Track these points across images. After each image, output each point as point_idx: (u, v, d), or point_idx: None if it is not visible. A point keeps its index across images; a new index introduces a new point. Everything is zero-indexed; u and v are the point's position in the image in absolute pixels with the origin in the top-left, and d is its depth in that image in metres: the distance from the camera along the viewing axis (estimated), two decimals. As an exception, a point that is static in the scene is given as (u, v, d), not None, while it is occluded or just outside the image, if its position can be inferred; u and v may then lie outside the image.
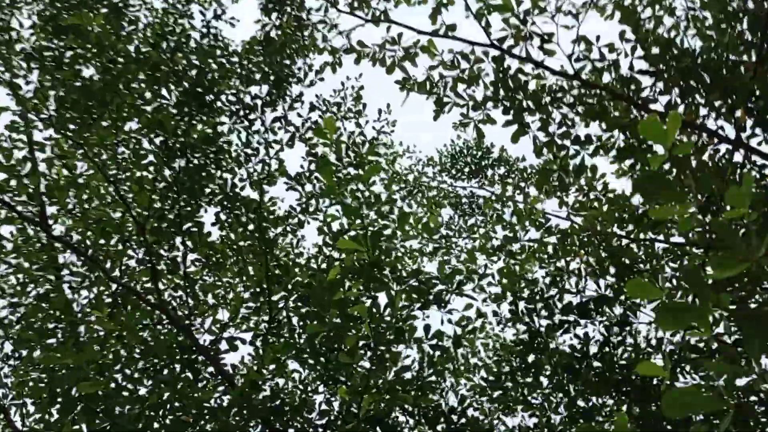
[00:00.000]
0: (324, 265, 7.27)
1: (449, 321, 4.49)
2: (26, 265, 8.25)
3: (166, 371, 7.84)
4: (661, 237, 8.54)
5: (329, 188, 3.72)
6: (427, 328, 4.44)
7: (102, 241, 8.09)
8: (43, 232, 7.76)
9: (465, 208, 10.55)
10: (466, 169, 10.87)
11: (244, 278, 7.74)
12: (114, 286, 8.18)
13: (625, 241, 8.42)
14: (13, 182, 8.16)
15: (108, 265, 7.80)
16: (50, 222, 8.39)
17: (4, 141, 8.70)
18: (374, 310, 4.25)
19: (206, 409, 7.83)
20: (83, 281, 7.74)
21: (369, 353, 4.57)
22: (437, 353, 4.77)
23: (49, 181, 8.17)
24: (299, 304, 7.21)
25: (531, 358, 6.62)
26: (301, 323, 7.08)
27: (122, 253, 7.88)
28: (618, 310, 6.43)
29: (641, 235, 8.56)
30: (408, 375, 5.25)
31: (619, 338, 6.46)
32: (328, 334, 4.37)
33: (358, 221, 3.81)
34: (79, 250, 7.79)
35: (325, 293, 4.06)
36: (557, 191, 9.95)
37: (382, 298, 4.30)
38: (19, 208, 8.07)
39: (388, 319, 4.36)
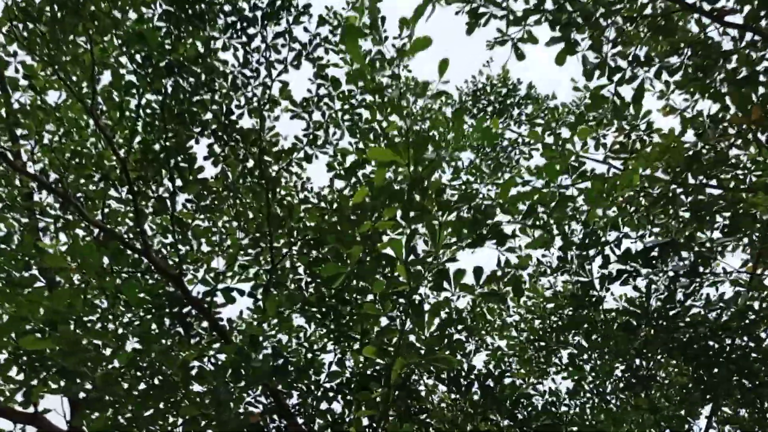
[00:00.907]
0: (335, 206, 6.21)
1: (507, 264, 3.44)
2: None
3: (154, 326, 6.92)
4: (713, 182, 7.49)
5: (356, 70, 2.66)
6: (478, 271, 3.40)
7: (80, 179, 7.05)
8: (11, 167, 6.68)
9: (488, 150, 9.46)
10: (490, 108, 9.74)
11: (243, 221, 6.70)
12: (95, 231, 7.18)
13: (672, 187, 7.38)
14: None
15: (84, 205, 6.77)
16: (24, 158, 7.35)
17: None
18: (412, 245, 3.21)
19: (197, 368, 6.92)
20: (56, 223, 6.71)
21: (402, 303, 3.57)
22: (485, 305, 3.74)
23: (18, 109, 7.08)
24: (305, 250, 6.20)
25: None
26: (308, 272, 6.06)
27: (102, 192, 6.83)
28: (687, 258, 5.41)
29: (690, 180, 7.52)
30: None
31: (687, 291, 5.44)
32: (349, 278, 3.34)
33: (398, 121, 2.75)
34: (53, 189, 6.73)
35: (348, 223, 3.01)
36: (593, 132, 8.89)
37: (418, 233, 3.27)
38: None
39: (429, 259, 3.34)
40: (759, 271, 6.26)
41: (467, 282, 3.47)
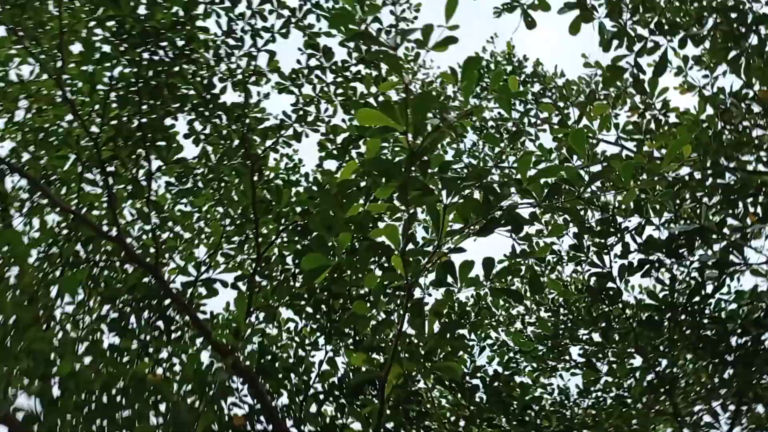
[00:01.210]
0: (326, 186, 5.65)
1: (523, 255, 2.89)
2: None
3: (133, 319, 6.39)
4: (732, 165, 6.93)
5: (341, 10, 2.12)
6: (488, 263, 2.86)
7: (52, 160, 6.48)
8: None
9: (492, 132, 8.90)
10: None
11: (226, 205, 6.15)
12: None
13: (686, 170, 6.82)
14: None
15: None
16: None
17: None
18: (410, 232, 2.68)
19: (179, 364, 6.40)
20: (21, 207, 6.16)
21: (398, 300, 3.03)
22: (494, 300, 3.20)
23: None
24: (295, 237, 5.65)
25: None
26: (297, 261, 5.51)
27: (76, 174, 6.26)
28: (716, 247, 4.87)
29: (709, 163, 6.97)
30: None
31: (716, 284, 4.90)
32: (340, 270, 2.80)
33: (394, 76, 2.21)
34: (23, 171, 6.16)
35: (333, 205, 2.46)
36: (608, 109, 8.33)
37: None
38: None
39: (430, 248, 2.80)
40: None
41: (475, 276, 2.93)
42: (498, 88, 2.59)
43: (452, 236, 2.74)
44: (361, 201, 2.67)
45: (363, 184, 2.53)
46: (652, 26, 5.48)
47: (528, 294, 4.04)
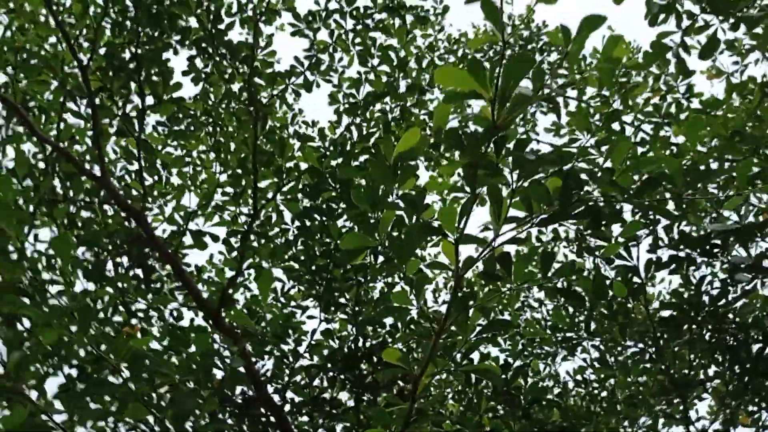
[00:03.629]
0: (337, 149, 5.18)
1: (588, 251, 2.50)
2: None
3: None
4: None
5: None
6: (548, 257, 2.49)
7: (33, 85, 5.90)
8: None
9: (584, 109, 8.40)
10: (508, 53, 8.56)
11: (222, 153, 5.66)
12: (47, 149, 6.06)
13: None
14: None
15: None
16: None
17: None
18: (467, 218, 2.30)
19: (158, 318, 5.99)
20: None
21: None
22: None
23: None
24: (298, 195, 5.22)
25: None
26: (297, 224, 5.09)
27: (56, 100, 5.71)
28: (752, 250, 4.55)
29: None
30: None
31: (746, 288, 4.61)
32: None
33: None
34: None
35: (388, 178, 2.06)
36: (623, 88, 7.91)
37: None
38: None
39: (489, 237, 2.43)
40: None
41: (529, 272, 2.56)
42: (604, 57, 2.16)
43: (512, 224, 2.35)
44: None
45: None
46: (703, 3, 5.03)
47: (589, 298, 3.67)
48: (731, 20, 5.05)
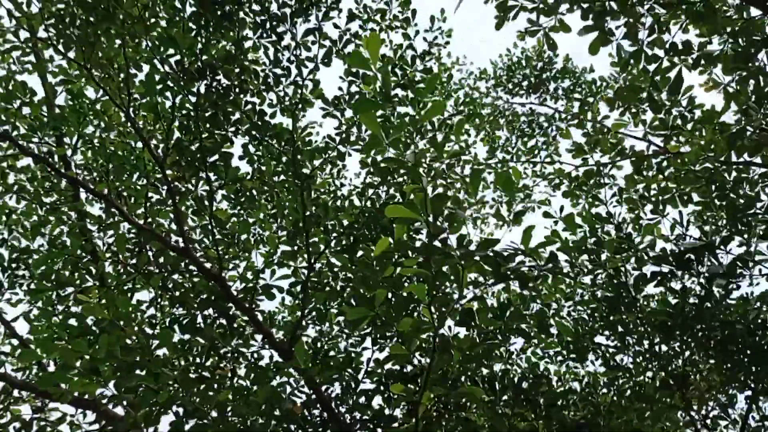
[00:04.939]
0: (368, 203, 6.27)
1: (534, 300, 3.47)
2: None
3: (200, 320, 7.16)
4: (758, 159, 7.29)
5: (373, 138, 2.69)
6: (503, 307, 3.44)
7: (120, 178, 7.24)
8: (52, 170, 6.88)
9: (524, 127, 9.31)
10: (525, 83, 9.51)
11: (279, 218, 6.82)
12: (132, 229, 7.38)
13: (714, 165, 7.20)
14: (26, 110, 7.29)
15: (126, 205, 6.97)
16: (68, 153, 7.56)
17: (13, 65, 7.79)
18: (435, 290, 3.26)
19: (242, 359, 7.16)
20: (100, 225, 6.94)
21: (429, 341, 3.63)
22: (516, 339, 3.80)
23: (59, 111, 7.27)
24: (344, 245, 6.29)
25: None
26: (343, 274, 6.17)
27: (142, 192, 7.02)
28: (725, 259, 5.33)
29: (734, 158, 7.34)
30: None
31: (724, 292, 5.38)
32: (375, 321, 3.42)
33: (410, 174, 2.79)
34: (93, 190, 6.93)
35: (371, 271, 3.07)
36: (631, 107, 8.64)
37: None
38: (32, 144, 7.23)
39: (455, 297, 3.38)
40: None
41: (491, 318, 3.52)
42: (501, 183, 3.11)
43: (471, 286, 3.33)
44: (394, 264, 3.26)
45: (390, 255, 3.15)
46: (667, 46, 5.84)
47: (535, 334, 4.56)
48: (692, 59, 5.85)
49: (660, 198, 7.22)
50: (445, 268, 3.24)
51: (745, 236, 5.11)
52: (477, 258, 3.20)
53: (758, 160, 7.23)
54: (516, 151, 9.36)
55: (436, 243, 3.10)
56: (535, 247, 3.08)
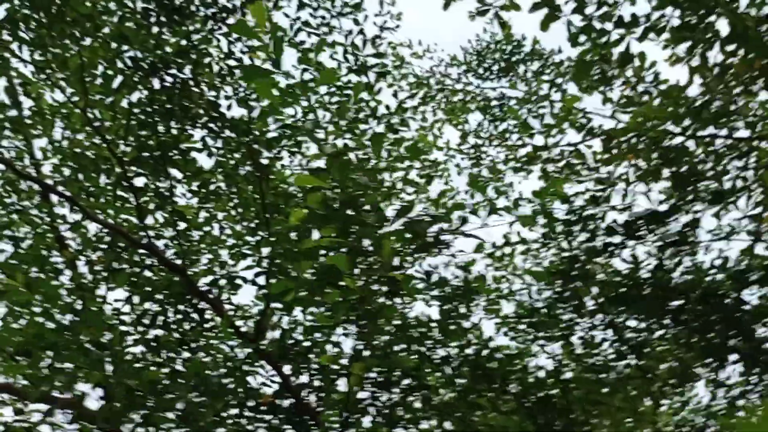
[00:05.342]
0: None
1: (455, 265, 3.50)
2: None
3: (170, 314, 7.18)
4: (724, 132, 7.31)
5: (270, 106, 2.72)
6: (428, 275, 3.47)
7: (83, 179, 7.27)
8: (16, 174, 6.93)
9: (495, 112, 9.33)
10: (495, 67, 9.55)
11: (241, 210, 6.84)
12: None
13: (680, 139, 7.22)
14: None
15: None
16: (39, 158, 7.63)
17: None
18: (356, 259, 3.29)
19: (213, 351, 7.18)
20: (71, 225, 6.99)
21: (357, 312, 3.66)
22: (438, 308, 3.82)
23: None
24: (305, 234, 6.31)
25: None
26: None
27: (104, 190, 7.05)
28: (675, 227, 5.34)
29: (699, 132, 7.35)
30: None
31: (677, 260, 5.39)
32: (298, 292, 3.44)
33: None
34: (57, 191, 6.97)
35: (290, 242, 3.10)
36: (599, 86, 8.64)
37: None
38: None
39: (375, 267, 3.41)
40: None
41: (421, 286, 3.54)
42: (410, 151, 3.13)
43: (397, 256, 3.36)
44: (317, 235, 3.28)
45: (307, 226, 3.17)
46: (615, 20, 5.84)
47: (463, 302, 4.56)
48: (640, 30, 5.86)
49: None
50: (366, 242, 3.27)
51: (692, 206, 5.13)
52: (395, 227, 3.22)
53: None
54: (488, 135, 9.38)
55: (349, 212, 3.13)
56: (447, 210, 3.10)
